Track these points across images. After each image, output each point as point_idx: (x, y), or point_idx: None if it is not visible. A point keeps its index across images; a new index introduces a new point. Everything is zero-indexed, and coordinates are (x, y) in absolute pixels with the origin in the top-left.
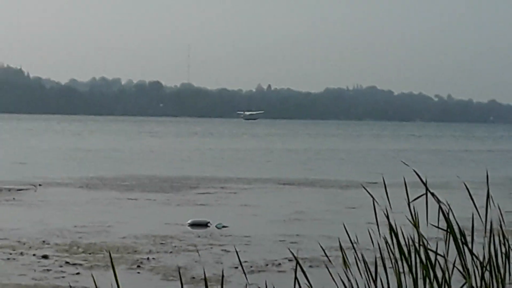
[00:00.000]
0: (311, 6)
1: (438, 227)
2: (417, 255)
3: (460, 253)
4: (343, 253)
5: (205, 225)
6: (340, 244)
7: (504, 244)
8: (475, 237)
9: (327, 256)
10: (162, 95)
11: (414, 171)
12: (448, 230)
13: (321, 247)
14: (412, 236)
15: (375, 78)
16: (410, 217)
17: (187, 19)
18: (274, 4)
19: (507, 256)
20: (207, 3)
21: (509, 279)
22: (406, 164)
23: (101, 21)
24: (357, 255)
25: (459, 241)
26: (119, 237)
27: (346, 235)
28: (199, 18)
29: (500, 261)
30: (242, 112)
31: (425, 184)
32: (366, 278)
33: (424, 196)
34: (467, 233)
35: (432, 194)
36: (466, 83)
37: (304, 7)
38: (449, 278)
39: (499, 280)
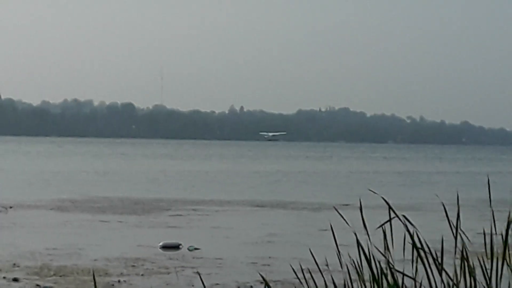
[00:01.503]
0: (282, 27)
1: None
2: (385, 277)
3: (429, 275)
4: (312, 276)
5: (176, 247)
6: (315, 265)
7: (470, 266)
8: (445, 259)
9: (300, 278)
10: (134, 116)
11: (383, 198)
12: (417, 253)
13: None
14: (383, 259)
15: (348, 100)
16: (380, 240)
17: (159, 41)
18: (245, 25)
19: (474, 278)
20: (179, 24)
21: None
22: (374, 192)
23: (73, 42)
24: (327, 278)
25: (428, 263)
26: (90, 259)
27: (318, 258)
28: (171, 39)
29: (468, 283)
30: (266, 133)
31: (391, 208)
32: None
33: (397, 218)
34: (438, 255)
35: (404, 216)
36: (438, 104)
37: (275, 28)
38: None
39: None
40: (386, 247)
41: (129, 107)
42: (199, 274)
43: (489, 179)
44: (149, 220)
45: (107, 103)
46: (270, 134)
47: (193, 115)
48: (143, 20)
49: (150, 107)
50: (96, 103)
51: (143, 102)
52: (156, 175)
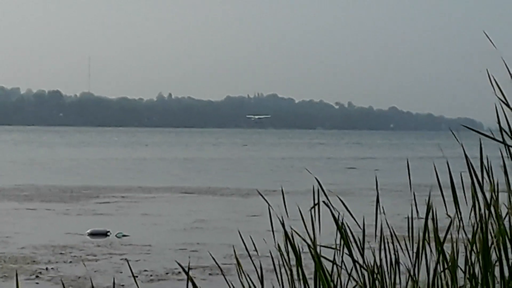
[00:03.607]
0: (208, 14)
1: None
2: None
3: (349, 260)
4: (239, 261)
5: (104, 234)
6: (236, 251)
7: (391, 250)
8: (372, 244)
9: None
10: (62, 104)
11: (316, 179)
12: (341, 236)
13: (212, 257)
14: (308, 244)
15: (276, 86)
16: (307, 225)
17: (87, 28)
18: (171, 12)
19: (397, 262)
20: (106, 11)
21: (397, 285)
22: (310, 172)
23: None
24: (255, 263)
25: (350, 247)
26: (17, 247)
27: (246, 243)
28: (99, 26)
29: (390, 266)
30: (253, 116)
31: (322, 190)
32: (261, 286)
33: (325, 203)
34: (364, 240)
35: (340, 199)
36: (366, 90)
37: (201, 15)
38: (341, 284)
39: (387, 285)
40: (314, 232)
41: (56, 94)
42: (127, 261)
43: (415, 164)
44: (77, 208)
45: (34, 91)
46: (256, 117)
47: (121, 102)
48: (69, 7)
49: (78, 94)
50: (23, 91)
51: (71, 89)
52: (84, 163)
